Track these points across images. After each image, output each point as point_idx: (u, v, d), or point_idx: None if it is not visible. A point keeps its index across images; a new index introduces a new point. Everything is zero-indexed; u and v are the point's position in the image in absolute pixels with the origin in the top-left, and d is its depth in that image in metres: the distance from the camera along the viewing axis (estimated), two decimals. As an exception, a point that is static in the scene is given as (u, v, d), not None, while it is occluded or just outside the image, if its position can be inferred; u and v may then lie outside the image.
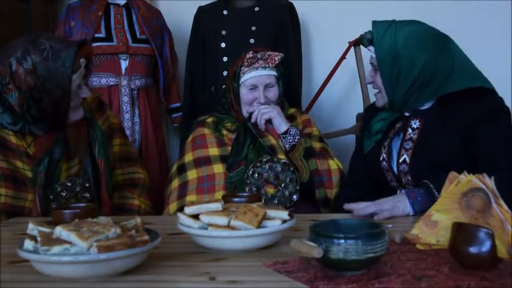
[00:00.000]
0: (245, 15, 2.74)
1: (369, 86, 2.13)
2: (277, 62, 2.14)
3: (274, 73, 2.15)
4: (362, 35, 2.75)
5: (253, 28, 2.71)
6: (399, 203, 1.62)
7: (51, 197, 1.80)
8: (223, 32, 2.71)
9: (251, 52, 2.15)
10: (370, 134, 1.89)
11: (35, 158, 1.78)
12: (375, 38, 1.79)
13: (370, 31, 1.83)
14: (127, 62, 2.75)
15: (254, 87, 2.12)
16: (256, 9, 2.75)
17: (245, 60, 2.13)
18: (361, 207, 1.61)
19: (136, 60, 2.77)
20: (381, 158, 1.86)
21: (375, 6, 3.02)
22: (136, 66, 2.77)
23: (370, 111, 2.02)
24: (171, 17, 3.00)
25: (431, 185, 1.60)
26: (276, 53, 2.16)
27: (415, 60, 1.74)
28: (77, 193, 1.85)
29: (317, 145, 2.17)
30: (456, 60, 1.77)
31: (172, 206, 2.03)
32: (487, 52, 2.96)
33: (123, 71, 2.75)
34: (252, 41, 2.66)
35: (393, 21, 1.81)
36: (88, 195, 1.86)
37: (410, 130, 1.81)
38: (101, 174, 1.88)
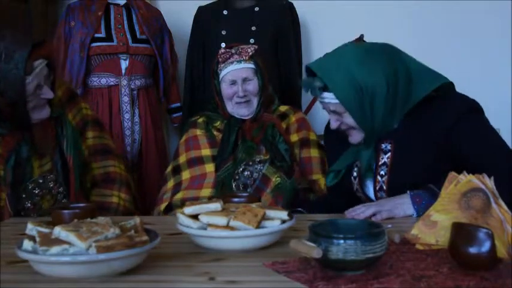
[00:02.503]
0: (245, 15, 2.74)
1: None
2: (250, 53, 2.12)
3: (250, 66, 2.13)
4: (362, 35, 2.78)
5: (253, 28, 2.71)
6: (401, 204, 1.59)
7: (24, 195, 1.80)
8: (223, 32, 2.71)
9: (223, 48, 2.15)
10: (338, 169, 1.75)
11: (3, 157, 1.76)
12: (328, 81, 1.62)
13: (312, 79, 1.65)
14: (127, 62, 2.75)
15: (233, 82, 2.12)
16: (256, 9, 2.75)
17: (219, 57, 2.13)
18: (360, 212, 1.58)
19: (136, 60, 2.77)
20: (355, 189, 1.77)
21: (375, 6, 3.02)
22: (136, 66, 2.77)
23: (331, 134, 1.84)
24: (171, 17, 3.00)
25: (437, 189, 1.51)
26: (249, 46, 2.15)
27: (377, 78, 1.62)
28: (50, 189, 1.85)
29: (316, 153, 2.15)
30: (407, 62, 1.69)
31: (163, 205, 2.06)
32: (487, 52, 2.97)
33: (123, 71, 2.75)
34: (252, 41, 2.66)
35: (326, 56, 1.68)
36: (62, 189, 1.87)
37: (382, 154, 1.71)
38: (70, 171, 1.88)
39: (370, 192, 1.75)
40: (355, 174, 1.77)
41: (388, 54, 1.68)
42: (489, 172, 1.30)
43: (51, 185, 1.85)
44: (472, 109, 1.67)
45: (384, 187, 1.70)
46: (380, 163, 1.71)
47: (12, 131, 1.77)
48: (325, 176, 1.82)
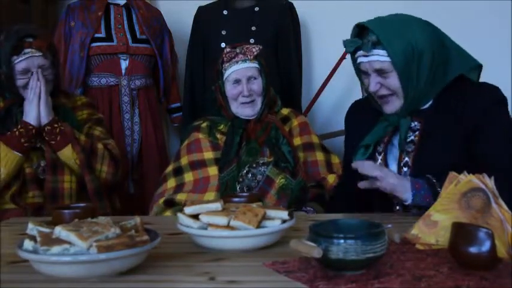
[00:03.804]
0: (245, 15, 2.74)
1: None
2: (255, 53, 2.13)
3: (255, 65, 2.13)
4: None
5: (253, 28, 2.71)
6: (403, 187, 1.59)
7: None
8: (223, 32, 2.71)
9: (228, 47, 2.15)
10: (368, 144, 1.74)
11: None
12: (382, 36, 1.62)
13: (361, 36, 1.67)
14: (127, 62, 2.76)
15: (237, 82, 2.12)
16: (256, 9, 2.75)
17: (224, 56, 2.14)
18: (367, 165, 1.59)
19: (137, 60, 2.77)
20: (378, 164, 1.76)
21: (375, 6, 3.01)
22: (136, 66, 2.77)
23: (354, 115, 1.89)
24: (171, 17, 3.01)
25: (437, 183, 1.55)
26: (254, 45, 2.15)
27: (425, 40, 1.64)
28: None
29: (321, 156, 2.16)
30: (447, 39, 1.72)
31: (162, 200, 2.05)
32: (487, 52, 2.96)
33: (123, 71, 2.75)
34: (252, 41, 2.66)
35: (378, 17, 1.72)
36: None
37: (410, 132, 1.73)
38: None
39: (393, 168, 1.74)
40: (380, 149, 1.77)
41: (432, 25, 1.71)
42: (493, 173, 1.30)
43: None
44: (497, 103, 1.68)
45: (409, 163, 1.70)
46: (408, 140, 1.72)
47: (12, 99, 2.09)
48: (355, 154, 1.78)
